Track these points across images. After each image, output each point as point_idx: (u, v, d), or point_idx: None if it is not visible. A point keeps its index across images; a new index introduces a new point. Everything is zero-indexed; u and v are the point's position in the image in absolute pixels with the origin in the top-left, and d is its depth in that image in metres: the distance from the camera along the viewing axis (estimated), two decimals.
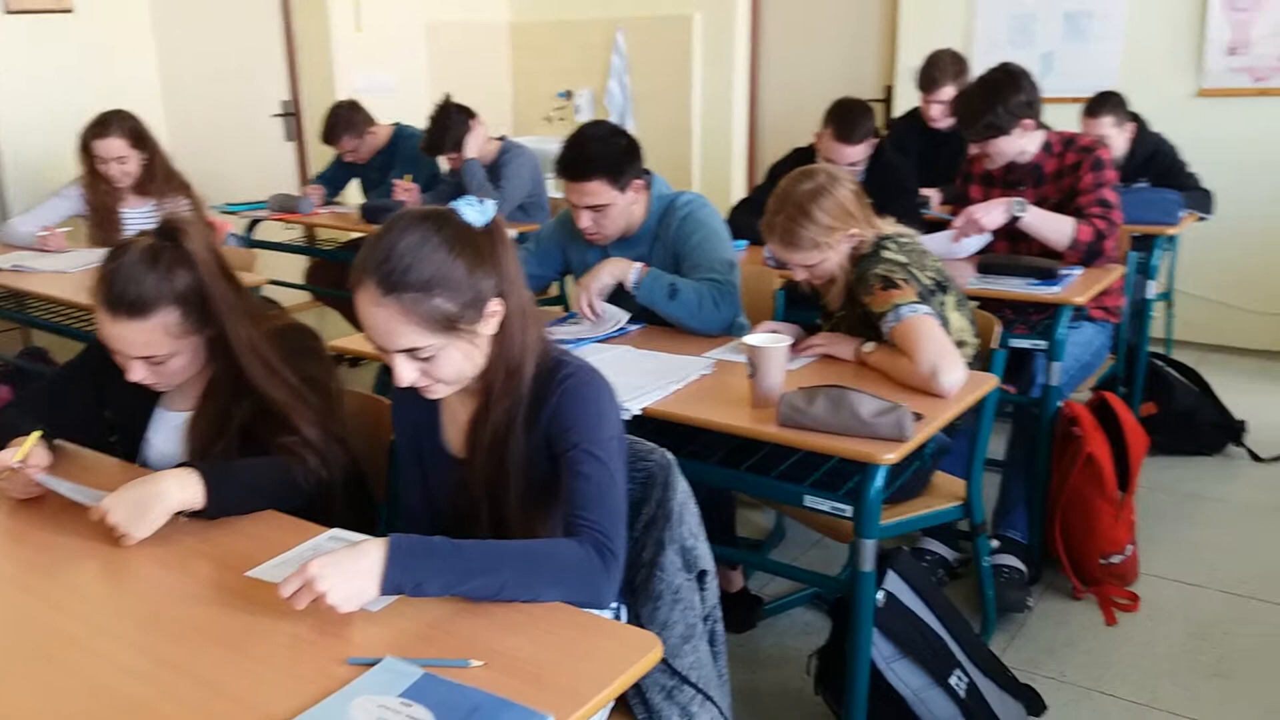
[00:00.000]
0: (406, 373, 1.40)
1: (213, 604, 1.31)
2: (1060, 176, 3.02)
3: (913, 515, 2.24)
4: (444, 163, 4.35)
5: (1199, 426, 3.67)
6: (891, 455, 1.75)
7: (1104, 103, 3.91)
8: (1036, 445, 2.79)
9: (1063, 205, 3.00)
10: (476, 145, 4.14)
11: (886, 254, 2.21)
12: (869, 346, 2.19)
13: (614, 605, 1.60)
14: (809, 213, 2.22)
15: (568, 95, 6.59)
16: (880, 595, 1.94)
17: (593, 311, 2.51)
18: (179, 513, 1.49)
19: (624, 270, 2.52)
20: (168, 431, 1.78)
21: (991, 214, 2.92)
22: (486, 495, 1.50)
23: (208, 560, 1.43)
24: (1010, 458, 2.88)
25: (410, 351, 1.38)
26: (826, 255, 2.25)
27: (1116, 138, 3.86)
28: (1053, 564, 2.81)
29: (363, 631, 1.23)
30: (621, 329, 2.53)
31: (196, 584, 1.37)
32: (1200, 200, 3.99)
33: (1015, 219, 2.92)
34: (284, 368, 1.67)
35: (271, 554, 1.44)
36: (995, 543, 2.75)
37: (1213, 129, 4.71)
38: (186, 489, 1.49)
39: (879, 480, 1.80)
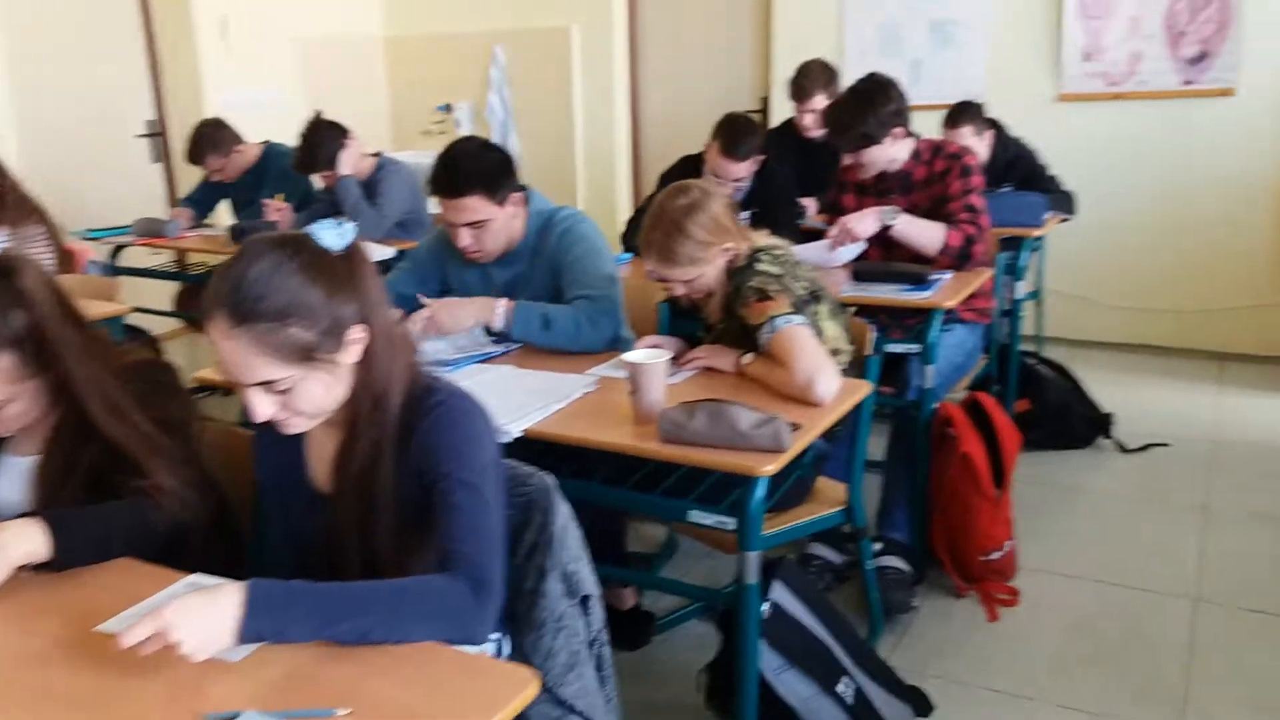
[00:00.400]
0: (262, 406, 1.34)
1: (59, 664, 1.23)
2: (930, 183, 3.10)
3: (796, 523, 2.26)
4: (318, 181, 4.24)
5: (1071, 421, 3.80)
6: (770, 467, 1.76)
7: (963, 112, 4.02)
8: (915, 447, 2.85)
9: (933, 211, 3.08)
10: (350, 162, 4.05)
11: (761, 266, 2.23)
12: (748, 358, 2.21)
13: (495, 636, 1.56)
14: (684, 229, 2.23)
15: (447, 109, 6.50)
16: (766, 607, 1.95)
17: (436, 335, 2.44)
18: (23, 566, 1.40)
19: (487, 313, 2.45)
20: (12, 478, 1.66)
21: (864, 222, 2.99)
22: (356, 532, 1.44)
23: (54, 616, 1.34)
24: (890, 460, 2.93)
25: (266, 384, 1.32)
26: (703, 270, 2.27)
27: (977, 146, 3.96)
28: (936, 563, 2.87)
29: (220, 684, 1.16)
30: (488, 354, 2.47)
31: (42, 642, 1.28)
32: (1063, 202, 4.15)
33: (887, 227, 2.98)
34: (134, 409, 1.58)
35: (124, 605, 1.35)
36: (878, 545, 2.80)
37: (1073, 132, 4.92)
38: (29, 541, 1.40)
39: (760, 492, 1.81)
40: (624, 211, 6.19)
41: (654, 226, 2.28)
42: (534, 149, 6.29)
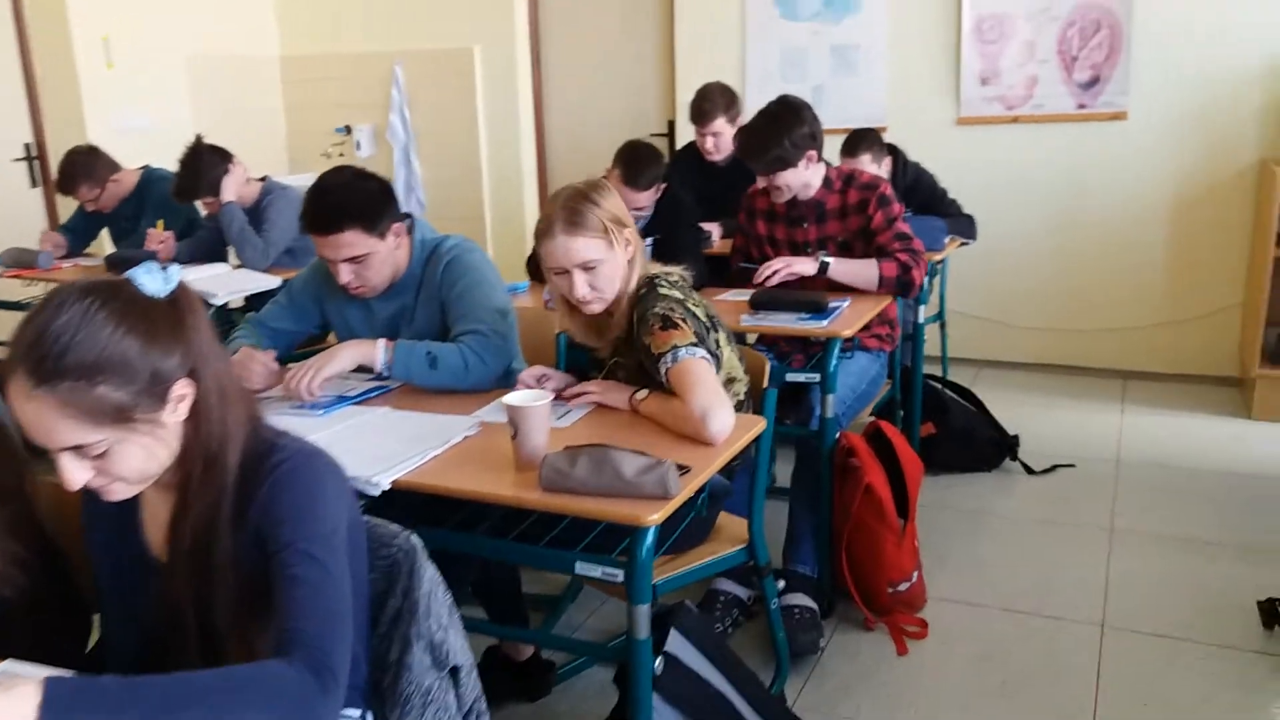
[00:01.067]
0: (75, 473, 1.19)
1: None
2: (845, 214, 3.06)
3: (693, 566, 2.15)
4: (201, 207, 4.04)
5: (976, 444, 3.78)
6: (656, 515, 1.65)
7: (860, 140, 4.00)
8: (819, 478, 2.78)
9: (850, 243, 3.04)
10: (234, 188, 3.87)
11: (663, 291, 2.15)
12: (641, 394, 2.10)
13: (355, 714, 1.43)
14: (590, 197, 2.14)
15: (347, 131, 6.33)
16: (658, 662, 1.84)
17: (310, 392, 2.22)
18: None
19: (368, 353, 2.29)
20: None
21: (806, 264, 2.99)
22: (192, 604, 1.30)
23: None
24: (795, 491, 2.86)
25: (76, 449, 1.18)
26: (610, 256, 2.13)
27: (876, 172, 3.95)
28: (844, 595, 2.80)
29: None
30: (365, 393, 2.32)
31: None
32: (964, 226, 4.15)
33: (824, 266, 2.96)
34: None
35: None
36: (782, 582, 2.71)
37: (972, 156, 4.95)
38: None
39: (648, 541, 1.70)
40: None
41: (554, 201, 2.17)
42: (438, 172, 6.15)
